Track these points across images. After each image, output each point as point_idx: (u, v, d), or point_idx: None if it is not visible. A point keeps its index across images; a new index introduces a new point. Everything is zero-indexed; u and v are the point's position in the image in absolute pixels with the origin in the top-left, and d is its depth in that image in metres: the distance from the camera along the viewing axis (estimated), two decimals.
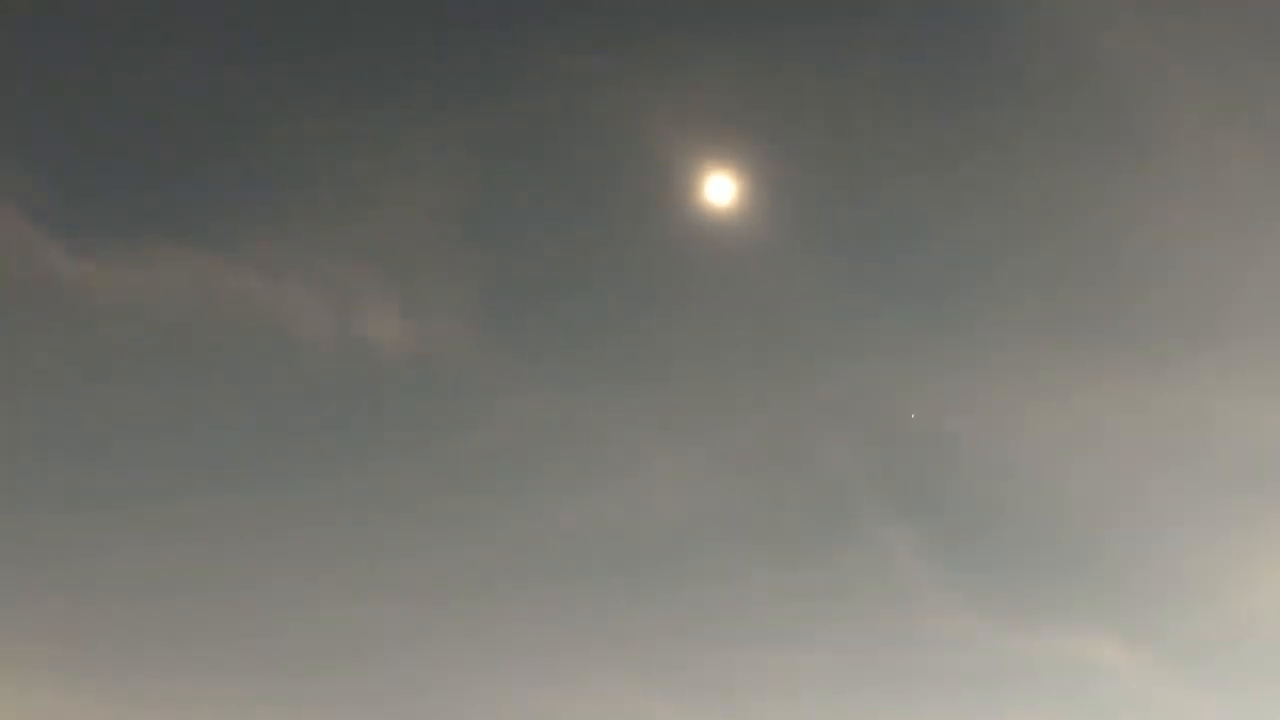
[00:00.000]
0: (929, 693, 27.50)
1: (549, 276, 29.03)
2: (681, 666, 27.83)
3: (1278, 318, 27.71)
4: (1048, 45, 27.97)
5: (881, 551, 28.54)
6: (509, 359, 28.84)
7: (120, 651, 27.09)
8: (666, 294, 28.89)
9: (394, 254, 28.67)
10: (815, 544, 28.74)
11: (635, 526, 28.73)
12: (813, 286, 28.76)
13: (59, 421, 28.26)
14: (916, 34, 28.24)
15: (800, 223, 28.46)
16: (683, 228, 28.02)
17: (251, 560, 28.08)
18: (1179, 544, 27.94)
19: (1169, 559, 27.92)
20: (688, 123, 27.98)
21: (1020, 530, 28.64)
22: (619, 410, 28.88)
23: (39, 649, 26.62)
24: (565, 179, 28.77)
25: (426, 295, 28.84)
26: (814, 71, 28.18)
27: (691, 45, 27.96)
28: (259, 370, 28.77)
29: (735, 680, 27.62)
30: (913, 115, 28.46)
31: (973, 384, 28.61)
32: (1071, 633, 27.85)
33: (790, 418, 29.04)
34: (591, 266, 28.98)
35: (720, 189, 27.81)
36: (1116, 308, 28.59)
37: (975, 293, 28.85)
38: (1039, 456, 28.64)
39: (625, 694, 27.22)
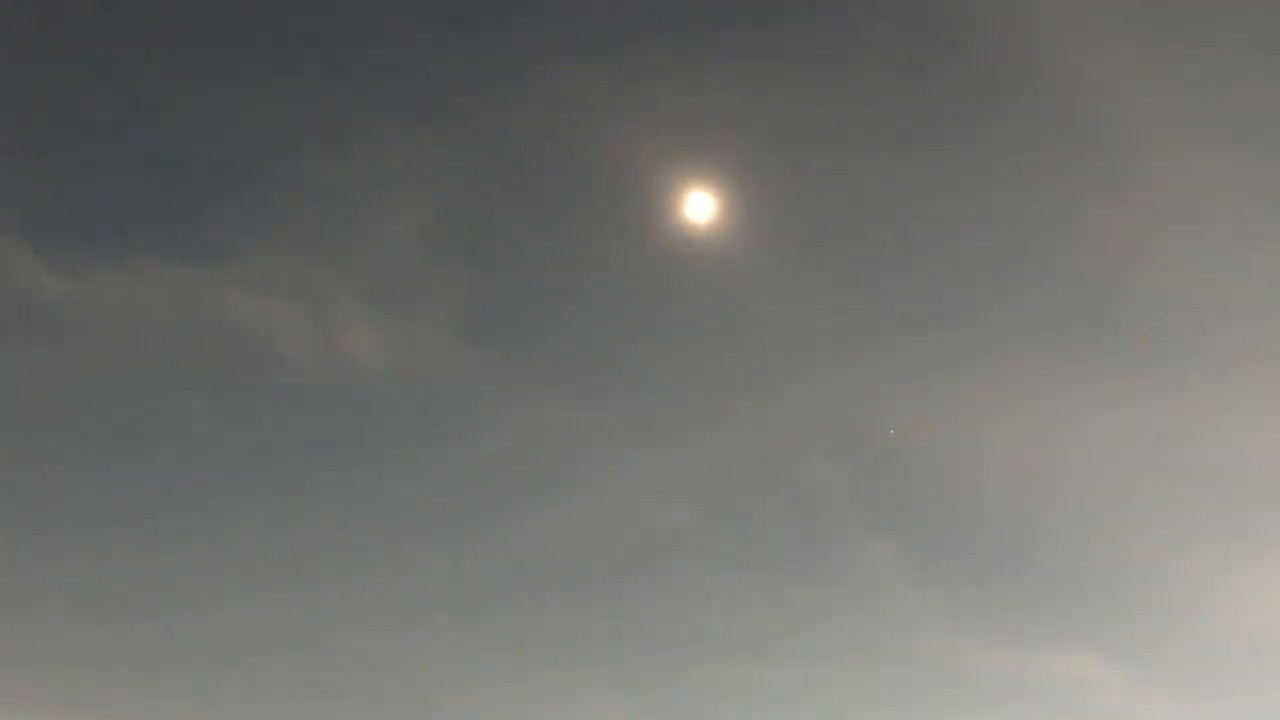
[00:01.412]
0: (911, 709, 27.37)
1: (531, 290, 29.33)
2: (662, 681, 27.80)
3: (1259, 333, 27.81)
4: (1042, 75, 28.30)
5: (862, 567, 28.55)
6: (491, 373, 29.05)
7: (96, 669, 27.05)
8: (648, 308, 29.15)
9: (377, 268, 28.99)
10: (797, 559, 28.74)
11: (615, 540, 28.80)
12: (793, 301, 28.94)
13: (42, 437, 28.48)
14: (911, 59, 28.60)
15: (780, 238, 28.70)
16: (665, 242, 28.29)
17: (234, 572, 28.18)
18: (1161, 558, 27.88)
19: (1151, 573, 27.86)
20: (671, 138, 28.34)
21: (1003, 545, 28.65)
22: (600, 423, 29.06)
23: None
24: (549, 194, 29.10)
25: (409, 309, 29.13)
26: (796, 86, 28.51)
27: (680, 62, 28.32)
28: (244, 384, 29.06)
29: (716, 695, 27.55)
30: (887, 130, 28.78)
31: (953, 398, 28.72)
32: (1054, 648, 27.78)
33: (771, 432, 29.15)
34: (574, 280, 29.27)
35: (702, 204, 28.07)
36: (1098, 322, 28.73)
37: (955, 307, 29.03)
38: (1020, 471, 28.66)
39: (606, 707, 27.20)
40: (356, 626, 27.89)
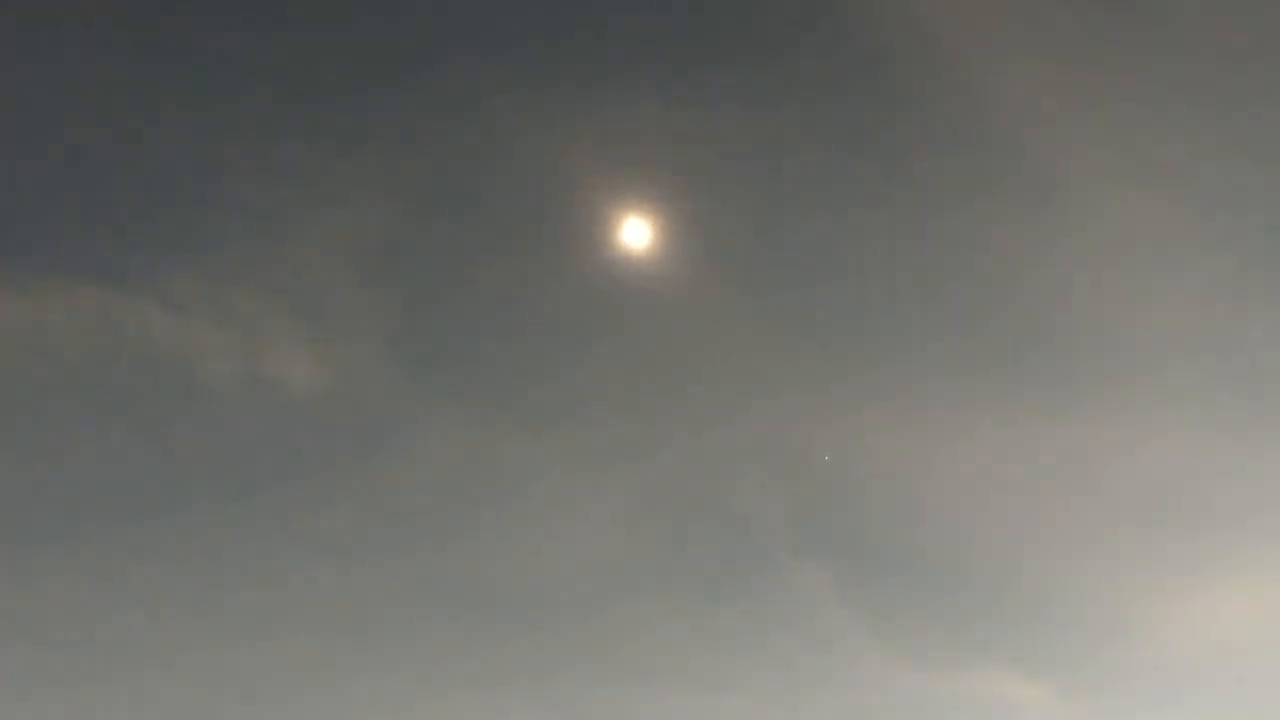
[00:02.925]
0: None
1: (467, 315, 28.90)
2: (591, 709, 27.66)
3: (1175, 355, 28.84)
4: (955, 94, 28.84)
5: (795, 592, 28.78)
6: (423, 401, 28.57)
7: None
8: (583, 335, 28.96)
9: (306, 291, 28.24)
10: (732, 587, 28.86)
11: (550, 569, 28.61)
12: (729, 328, 29.07)
13: None
14: (830, 81, 28.90)
15: (717, 266, 28.80)
16: (603, 269, 28.13)
17: (151, 602, 27.40)
18: (1086, 580, 28.72)
19: (1076, 595, 28.67)
20: (612, 164, 28.16)
21: (933, 569, 29.13)
22: (534, 452, 28.80)
23: None
24: (482, 217, 28.71)
25: (339, 334, 28.45)
26: (731, 115, 28.56)
27: (611, 88, 28.24)
28: (162, 410, 28.08)
29: None
30: (825, 161, 29.04)
31: (886, 426, 29.14)
32: (985, 670, 28.35)
33: (707, 459, 29.23)
34: (511, 306, 28.93)
35: (637, 230, 28.02)
36: (1028, 353, 29.41)
37: (890, 338, 29.44)
38: (950, 497, 29.24)
39: None
40: (281, 661, 27.28)
